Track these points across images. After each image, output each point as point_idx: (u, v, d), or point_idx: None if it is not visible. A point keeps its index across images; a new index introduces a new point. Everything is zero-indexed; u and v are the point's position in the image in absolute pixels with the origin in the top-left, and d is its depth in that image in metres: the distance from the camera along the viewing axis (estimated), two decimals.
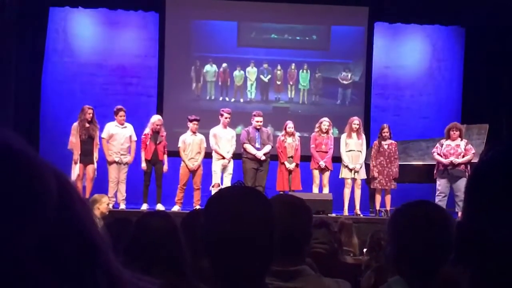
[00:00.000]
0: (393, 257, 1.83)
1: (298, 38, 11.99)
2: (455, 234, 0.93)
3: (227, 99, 11.75)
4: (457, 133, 9.33)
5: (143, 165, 9.40)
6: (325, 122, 9.63)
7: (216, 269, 1.41)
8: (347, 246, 5.66)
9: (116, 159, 9.38)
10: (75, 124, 9.31)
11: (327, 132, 9.64)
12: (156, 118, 9.58)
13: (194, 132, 9.54)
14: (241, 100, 11.81)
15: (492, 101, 11.34)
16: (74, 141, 9.25)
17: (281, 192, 9.42)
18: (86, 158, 9.27)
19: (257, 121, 9.57)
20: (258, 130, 9.58)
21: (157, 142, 9.42)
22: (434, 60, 12.37)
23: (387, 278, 2.52)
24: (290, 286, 1.84)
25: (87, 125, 9.28)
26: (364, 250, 5.31)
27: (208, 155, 9.66)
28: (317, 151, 9.59)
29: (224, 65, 11.75)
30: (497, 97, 11.37)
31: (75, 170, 9.23)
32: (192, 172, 9.46)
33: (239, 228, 1.37)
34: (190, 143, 9.48)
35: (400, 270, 1.86)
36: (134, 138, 9.57)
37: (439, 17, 11.83)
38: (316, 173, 9.62)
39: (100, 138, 9.44)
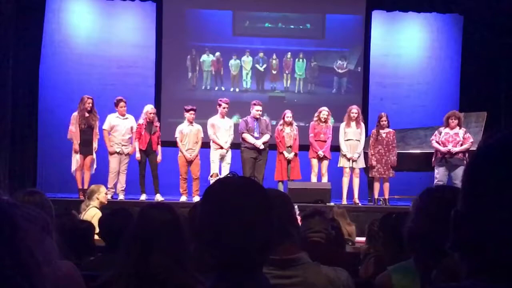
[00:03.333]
0: (411, 234, 1.81)
1: (292, 26, 11.97)
2: (451, 222, 0.93)
3: (222, 88, 11.75)
4: (456, 121, 9.33)
5: (137, 155, 9.39)
6: (324, 111, 9.62)
7: (213, 259, 1.41)
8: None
9: (117, 150, 9.38)
10: (75, 114, 9.31)
11: (325, 121, 9.63)
12: (149, 107, 9.57)
13: (191, 122, 9.53)
14: (237, 89, 11.80)
15: (490, 89, 11.33)
16: (74, 130, 9.25)
17: (280, 182, 9.46)
18: (85, 148, 9.27)
19: (257, 110, 9.55)
20: (256, 119, 9.57)
21: (152, 132, 9.41)
22: (432, 48, 12.34)
23: (386, 266, 2.53)
24: (289, 274, 1.86)
25: (87, 115, 9.27)
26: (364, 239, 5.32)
27: (205, 145, 9.66)
28: (315, 140, 9.59)
29: (217, 54, 11.73)
30: (495, 84, 11.36)
31: (76, 160, 9.23)
32: (189, 162, 9.46)
33: (236, 218, 1.38)
34: (188, 134, 9.47)
35: (413, 248, 1.85)
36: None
37: (437, 5, 11.80)
38: (314, 162, 9.63)
39: (100, 128, 9.44)
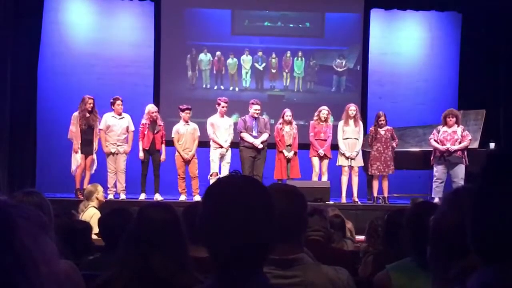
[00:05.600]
0: (438, 226, 1.76)
1: (291, 25, 11.98)
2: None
3: (222, 87, 11.74)
4: (454, 119, 9.33)
5: (141, 154, 9.40)
6: (324, 110, 9.62)
7: (214, 258, 1.41)
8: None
9: (113, 150, 9.38)
10: (75, 113, 9.30)
11: (326, 121, 9.63)
12: (150, 107, 9.57)
13: (186, 122, 9.53)
14: (236, 88, 11.80)
15: (489, 86, 11.34)
16: (74, 130, 9.24)
17: (279, 181, 9.44)
18: (85, 149, 9.27)
19: (255, 110, 9.55)
20: (255, 118, 9.57)
21: (155, 132, 9.42)
22: (430, 46, 12.34)
23: (384, 264, 2.53)
24: (289, 274, 1.85)
25: (88, 115, 9.27)
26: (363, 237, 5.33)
27: (203, 144, 9.66)
28: (316, 140, 9.59)
29: (218, 53, 11.73)
30: (494, 82, 11.37)
31: (76, 159, 9.23)
32: (187, 162, 9.46)
33: (238, 218, 1.37)
34: (184, 133, 9.47)
35: (434, 242, 1.81)
36: (132, 128, 9.56)
37: (435, 3, 11.80)
38: (315, 161, 9.62)
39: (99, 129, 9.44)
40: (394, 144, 9.65)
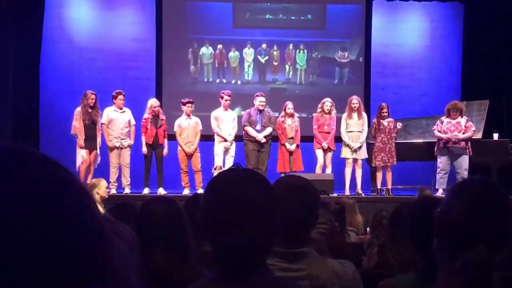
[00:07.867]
0: (444, 217, 1.74)
1: (293, 17, 11.94)
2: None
3: (224, 81, 11.72)
4: (458, 113, 9.28)
5: (144, 149, 9.39)
6: (327, 102, 9.59)
7: (217, 252, 1.40)
8: (351, 225, 5.64)
9: (117, 144, 9.37)
10: (78, 109, 9.29)
11: (329, 113, 9.60)
12: (152, 101, 9.56)
13: (188, 115, 9.51)
14: (238, 82, 11.78)
15: (492, 77, 11.29)
16: (77, 126, 9.23)
17: (282, 174, 9.43)
18: (89, 144, 9.27)
19: (260, 102, 9.52)
20: (260, 111, 9.54)
21: (158, 126, 9.40)
22: (433, 37, 12.30)
23: (389, 257, 2.52)
24: (295, 268, 1.84)
25: (90, 110, 9.26)
26: (368, 229, 5.32)
27: (207, 138, 9.65)
28: (319, 132, 9.57)
29: (220, 46, 11.70)
30: (497, 73, 11.32)
31: (81, 155, 9.22)
32: (189, 155, 9.46)
33: (240, 211, 1.36)
34: (186, 127, 9.45)
35: (439, 234, 1.79)
36: (133, 122, 9.55)
37: None
38: (319, 153, 9.60)
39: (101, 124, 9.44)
40: (399, 125, 9.61)
